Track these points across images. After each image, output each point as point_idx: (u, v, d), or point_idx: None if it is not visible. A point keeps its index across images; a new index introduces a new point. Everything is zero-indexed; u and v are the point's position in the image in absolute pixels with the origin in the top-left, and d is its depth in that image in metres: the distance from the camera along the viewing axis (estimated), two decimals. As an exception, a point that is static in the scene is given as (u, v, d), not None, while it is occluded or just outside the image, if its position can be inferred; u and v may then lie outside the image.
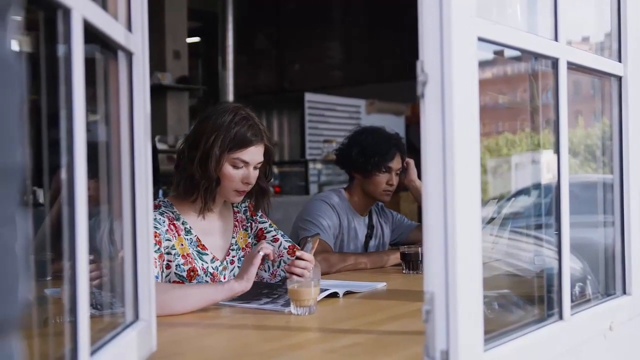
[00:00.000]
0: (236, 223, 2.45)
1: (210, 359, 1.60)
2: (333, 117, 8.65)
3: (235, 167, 2.25)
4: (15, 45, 0.60)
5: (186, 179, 2.27)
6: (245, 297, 2.08)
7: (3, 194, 0.56)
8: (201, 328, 1.85)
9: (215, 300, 2.02)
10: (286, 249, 2.42)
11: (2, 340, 0.57)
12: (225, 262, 2.36)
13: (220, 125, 2.22)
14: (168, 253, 2.19)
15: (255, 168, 2.29)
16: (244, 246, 2.43)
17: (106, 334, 1.28)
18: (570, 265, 1.61)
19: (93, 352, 1.12)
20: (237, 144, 2.23)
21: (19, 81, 0.60)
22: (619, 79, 1.87)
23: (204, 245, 2.31)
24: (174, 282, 2.21)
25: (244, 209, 2.49)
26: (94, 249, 1.17)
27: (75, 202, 1.03)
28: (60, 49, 1.05)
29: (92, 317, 1.10)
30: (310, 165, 7.92)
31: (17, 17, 0.61)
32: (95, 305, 1.36)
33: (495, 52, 1.54)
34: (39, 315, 1.32)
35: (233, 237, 2.41)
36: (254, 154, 2.27)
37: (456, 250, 1.19)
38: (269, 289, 2.24)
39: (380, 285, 2.44)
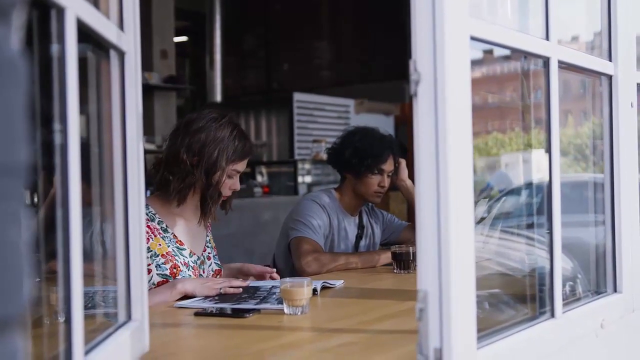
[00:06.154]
0: (208, 224, 2.57)
1: (203, 359, 1.60)
2: (322, 117, 8.65)
3: (229, 177, 2.40)
4: (19, 44, 0.60)
5: (187, 187, 2.35)
6: (233, 300, 2.09)
7: (9, 191, 0.57)
8: (194, 328, 1.85)
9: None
10: (213, 271, 2.53)
11: (6, 337, 0.57)
12: (202, 257, 2.47)
13: (221, 139, 2.35)
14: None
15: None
16: (214, 245, 2.59)
17: (99, 334, 1.28)
18: (561, 265, 1.62)
19: (87, 352, 1.12)
20: (239, 157, 2.39)
21: (24, 80, 0.60)
22: (610, 77, 1.88)
23: (181, 241, 2.40)
24: (158, 283, 2.24)
25: None
26: (84, 250, 1.17)
27: (69, 203, 1.03)
28: (54, 48, 1.04)
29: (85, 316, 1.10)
30: (299, 166, 7.91)
31: (21, 16, 0.61)
32: (87, 305, 1.35)
33: (485, 51, 1.55)
34: (31, 316, 1.32)
35: (207, 236, 2.55)
36: (245, 164, 2.46)
37: (449, 248, 1.19)
38: (253, 291, 2.25)
39: (339, 283, 2.45)
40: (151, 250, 2.29)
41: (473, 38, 1.28)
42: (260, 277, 2.52)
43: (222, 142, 2.35)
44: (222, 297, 2.16)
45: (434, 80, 1.20)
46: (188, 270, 2.36)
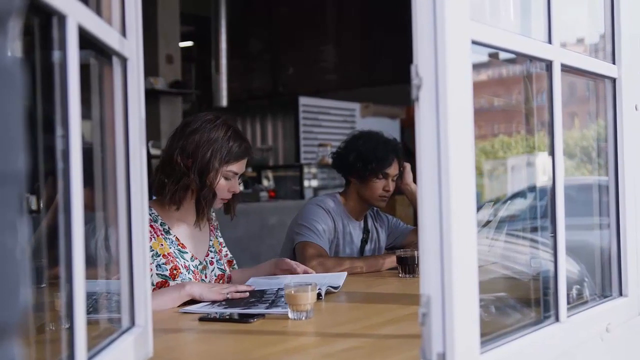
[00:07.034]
0: (211, 228, 2.58)
1: (207, 365, 1.60)
2: (328, 120, 8.65)
3: (226, 178, 2.40)
4: (16, 52, 0.60)
5: (182, 189, 2.35)
6: (241, 305, 2.09)
7: (5, 199, 0.57)
8: (197, 334, 1.85)
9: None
10: (216, 276, 2.53)
11: (3, 345, 0.57)
12: (205, 262, 2.47)
13: (215, 139, 2.35)
14: None
15: (239, 178, 2.46)
16: (218, 250, 2.58)
17: (102, 339, 1.28)
18: (567, 268, 1.61)
19: (90, 358, 1.12)
20: (233, 158, 2.38)
21: (20, 88, 0.60)
22: (613, 80, 1.87)
23: (183, 244, 2.41)
24: (157, 283, 2.25)
25: (213, 217, 2.64)
26: (89, 256, 1.17)
27: (72, 209, 1.03)
28: (55, 55, 1.04)
29: (88, 322, 1.10)
30: (305, 170, 7.91)
31: (17, 24, 0.61)
32: (89, 310, 1.35)
33: (490, 55, 1.54)
34: (36, 322, 1.32)
35: (210, 240, 2.55)
36: (243, 166, 2.45)
37: (452, 252, 1.19)
38: (260, 295, 2.24)
39: (342, 278, 2.49)
40: (153, 250, 2.29)
41: (474, 42, 1.28)
42: (289, 271, 2.57)
43: (215, 142, 2.34)
44: (229, 302, 2.15)
45: (435, 85, 1.20)
46: (188, 273, 2.36)
